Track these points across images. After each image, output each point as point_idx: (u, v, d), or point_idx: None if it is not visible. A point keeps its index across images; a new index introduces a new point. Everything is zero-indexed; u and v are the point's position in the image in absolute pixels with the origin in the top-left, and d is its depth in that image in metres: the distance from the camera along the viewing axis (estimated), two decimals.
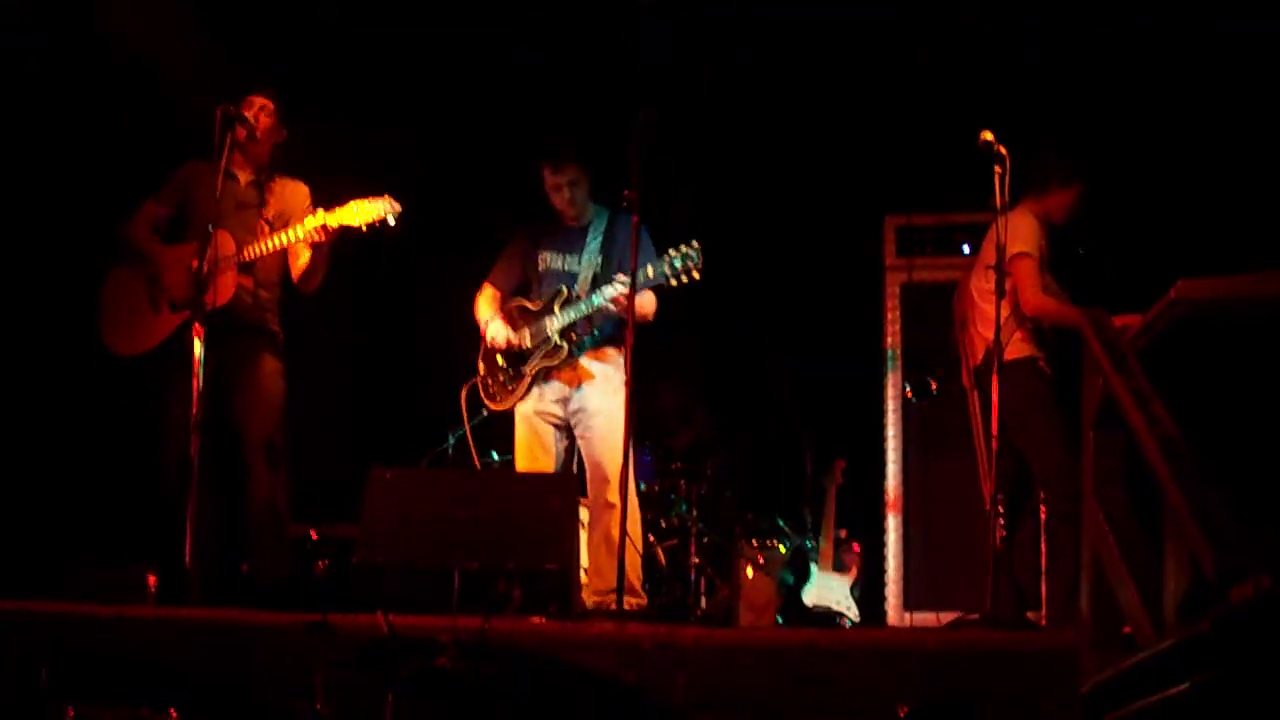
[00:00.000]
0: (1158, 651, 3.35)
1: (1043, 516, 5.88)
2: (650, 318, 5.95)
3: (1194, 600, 3.81)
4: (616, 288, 5.66)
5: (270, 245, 5.60)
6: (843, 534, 7.39)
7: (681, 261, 5.46)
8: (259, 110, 5.73)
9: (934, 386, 6.84)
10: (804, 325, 7.96)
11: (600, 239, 6.03)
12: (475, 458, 6.47)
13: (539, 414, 6.10)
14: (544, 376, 6.06)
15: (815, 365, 7.86)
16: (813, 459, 7.64)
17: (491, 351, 6.18)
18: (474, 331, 6.28)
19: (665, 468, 7.56)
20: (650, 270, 5.50)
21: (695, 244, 5.45)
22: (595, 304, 5.82)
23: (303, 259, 5.75)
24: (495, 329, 6.10)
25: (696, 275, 5.40)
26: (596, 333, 6.04)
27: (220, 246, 5.41)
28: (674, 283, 5.47)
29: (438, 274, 7.28)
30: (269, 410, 5.67)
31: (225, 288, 5.49)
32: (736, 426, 7.89)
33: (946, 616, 6.20)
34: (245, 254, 5.60)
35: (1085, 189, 5.86)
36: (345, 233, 5.55)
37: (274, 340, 5.79)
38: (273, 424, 5.66)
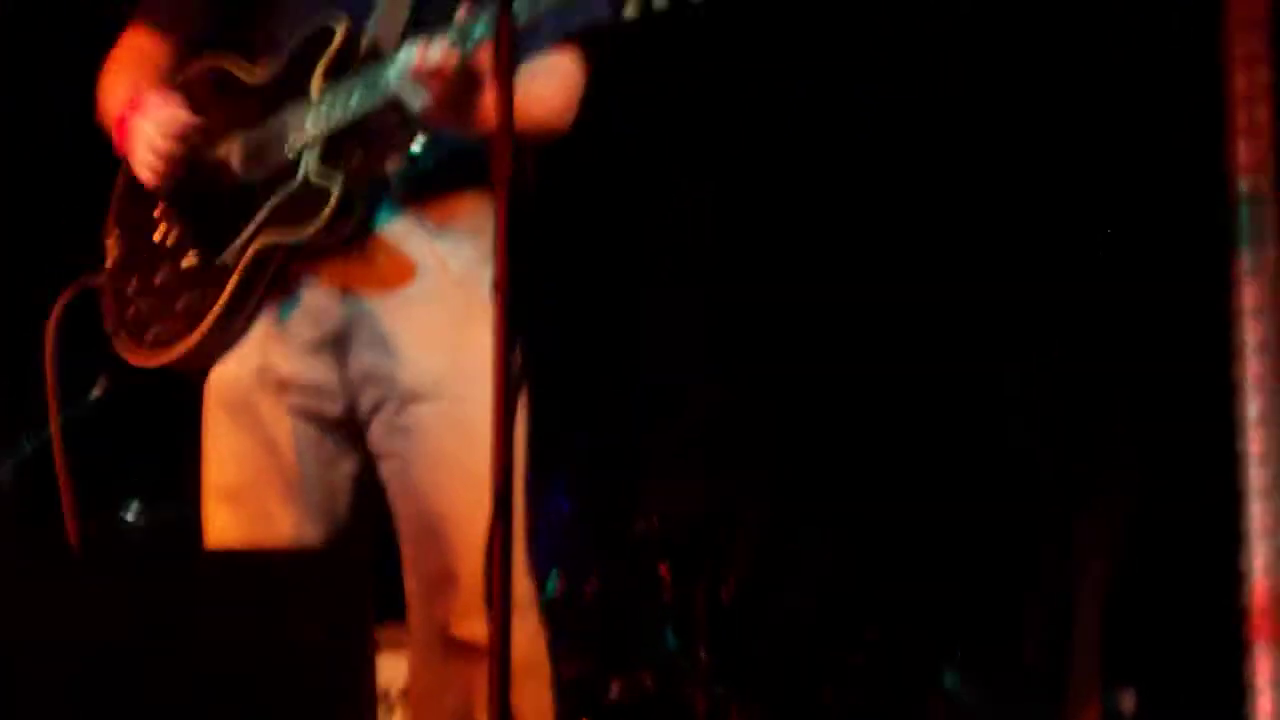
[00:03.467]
0: None
1: None
2: (556, 127, 2.65)
3: None
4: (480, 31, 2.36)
5: None
6: (1127, 707, 4.32)
7: None
8: None
9: None
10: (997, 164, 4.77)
11: None
12: (69, 516, 2.88)
13: (271, 385, 2.69)
14: (282, 278, 2.68)
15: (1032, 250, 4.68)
16: (1049, 503, 4.53)
17: (139, 207, 2.81)
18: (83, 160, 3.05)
19: (618, 532, 4.26)
20: None
21: None
22: (395, 83, 2.46)
23: None
24: (157, 128, 2.70)
25: None
26: (421, 153, 2.58)
27: None
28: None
29: None
30: None
31: None
32: (810, 416, 4.59)
33: None
34: None
35: None
36: None
37: None
38: None
